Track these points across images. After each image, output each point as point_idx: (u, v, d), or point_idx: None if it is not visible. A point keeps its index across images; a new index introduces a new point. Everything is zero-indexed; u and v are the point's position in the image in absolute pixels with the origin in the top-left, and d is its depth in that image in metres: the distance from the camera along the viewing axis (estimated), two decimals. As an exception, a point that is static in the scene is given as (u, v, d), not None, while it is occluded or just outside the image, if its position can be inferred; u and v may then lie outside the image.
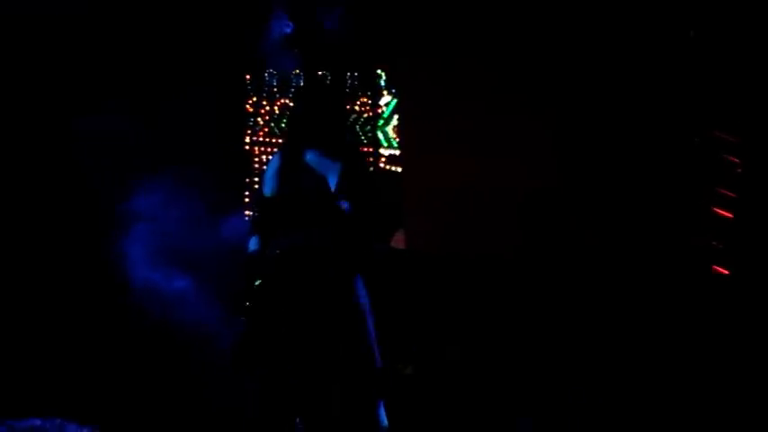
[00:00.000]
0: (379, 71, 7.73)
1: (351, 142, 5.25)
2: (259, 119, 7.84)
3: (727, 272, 7.44)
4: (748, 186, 7.43)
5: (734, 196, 7.48)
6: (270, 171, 4.88)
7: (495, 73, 7.49)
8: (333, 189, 4.74)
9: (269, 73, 7.77)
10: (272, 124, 7.87)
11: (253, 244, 4.79)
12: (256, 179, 7.68)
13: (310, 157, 4.80)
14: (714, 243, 7.52)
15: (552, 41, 7.67)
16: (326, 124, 4.87)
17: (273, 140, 7.83)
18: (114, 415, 6.47)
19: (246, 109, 7.79)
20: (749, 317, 7.02)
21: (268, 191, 4.85)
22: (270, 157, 6.92)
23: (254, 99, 7.83)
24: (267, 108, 7.87)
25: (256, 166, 7.76)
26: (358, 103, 7.83)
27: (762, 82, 7.39)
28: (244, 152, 7.74)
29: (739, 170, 7.52)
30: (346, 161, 4.82)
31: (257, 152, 7.79)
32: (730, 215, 7.48)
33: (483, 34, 7.63)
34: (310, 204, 4.71)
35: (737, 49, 7.50)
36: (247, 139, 7.77)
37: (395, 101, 7.72)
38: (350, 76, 7.84)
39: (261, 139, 7.83)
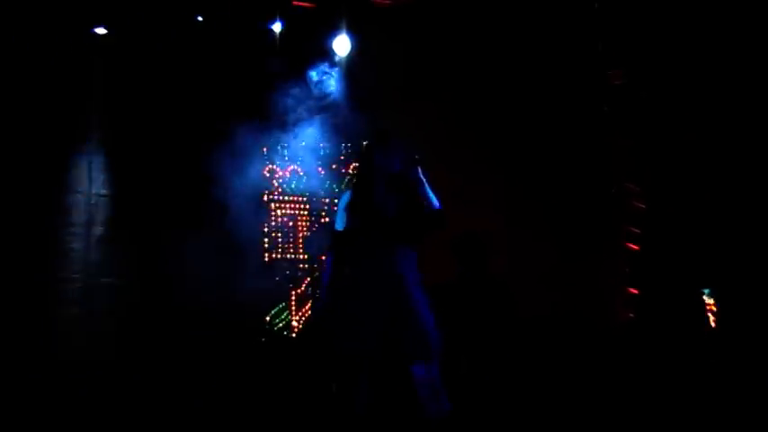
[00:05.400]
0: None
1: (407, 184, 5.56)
2: (274, 181, 9.20)
3: (636, 291, 8.86)
4: (651, 225, 8.87)
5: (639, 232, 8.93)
6: (340, 207, 5.59)
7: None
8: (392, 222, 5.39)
9: (281, 146, 9.07)
10: (285, 185, 9.19)
11: (327, 264, 5.64)
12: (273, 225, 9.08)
13: (376, 196, 5.44)
14: (626, 269, 8.98)
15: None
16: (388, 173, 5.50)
17: (285, 197, 9.18)
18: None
19: (264, 174, 9.12)
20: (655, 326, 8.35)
21: (340, 224, 5.55)
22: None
23: (270, 166, 9.15)
24: (280, 173, 9.21)
25: (272, 216, 9.11)
26: (350, 167, 9.22)
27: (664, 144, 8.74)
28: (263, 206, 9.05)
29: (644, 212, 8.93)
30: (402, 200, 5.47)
31: (273, 207, 9.16)
32: (637, 247, 8.94)
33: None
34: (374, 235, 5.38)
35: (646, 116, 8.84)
36: (265, 198, 9.14)
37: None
38: (344, 146, 9.20)
39: (275, 197, 9.19)
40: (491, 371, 6.77)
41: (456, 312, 6.80)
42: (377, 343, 5.26)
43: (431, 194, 5.49)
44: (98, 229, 8.47)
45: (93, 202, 8.54)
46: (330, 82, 8.87)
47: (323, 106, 8.88)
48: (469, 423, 6.00)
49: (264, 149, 9.11)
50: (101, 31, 8.44)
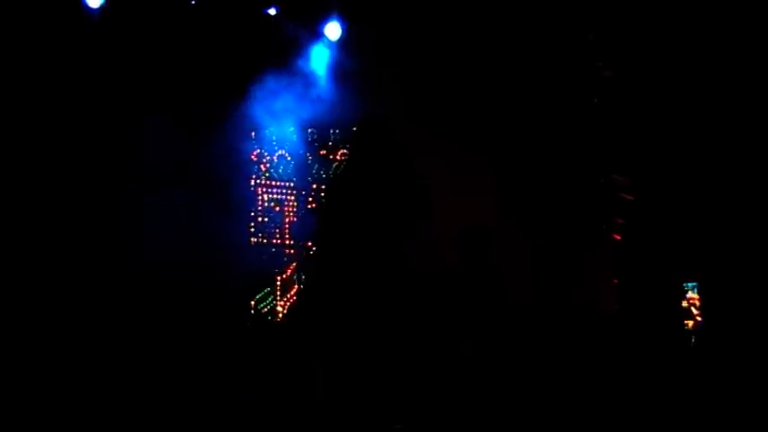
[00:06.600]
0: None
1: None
2: (261, 166, 9.22)
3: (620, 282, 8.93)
4: (637, 216, 8.94)
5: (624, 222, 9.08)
6: (329, 195, 5.62)
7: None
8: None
9: (269, 131, 9.09)
10: (272, 170, 9.23)
11: (316, 251, 5.69)
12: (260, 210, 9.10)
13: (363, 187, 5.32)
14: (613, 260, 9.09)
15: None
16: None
17: (272, 183, 9.22)
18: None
19: (251, 158, 9.14)
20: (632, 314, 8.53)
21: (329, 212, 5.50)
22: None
23: (258, 151, 9.18)
24: (267, 157, 9.25)
25: (259, 200, 9.13)
26: (339, 153, 9.33)
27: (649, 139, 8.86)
28: (250, 191, 9.10)
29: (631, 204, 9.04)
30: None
31: (260, 192, 9.19)
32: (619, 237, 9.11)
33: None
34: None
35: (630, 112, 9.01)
36: (252, 182, 9.16)
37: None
38: (332, 132, 9.29)
39: (262, 181, 9.21)
40: (486, 361, 6.73)
41: (454, 303, 6.77)
42: (362, 332, 5.28)
43: (417, 187, 5.42)
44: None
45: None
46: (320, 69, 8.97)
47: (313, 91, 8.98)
48: (468, 416, 6.10)
49: (252, 134, 9.13)
50: (94, 3, 8.40)
